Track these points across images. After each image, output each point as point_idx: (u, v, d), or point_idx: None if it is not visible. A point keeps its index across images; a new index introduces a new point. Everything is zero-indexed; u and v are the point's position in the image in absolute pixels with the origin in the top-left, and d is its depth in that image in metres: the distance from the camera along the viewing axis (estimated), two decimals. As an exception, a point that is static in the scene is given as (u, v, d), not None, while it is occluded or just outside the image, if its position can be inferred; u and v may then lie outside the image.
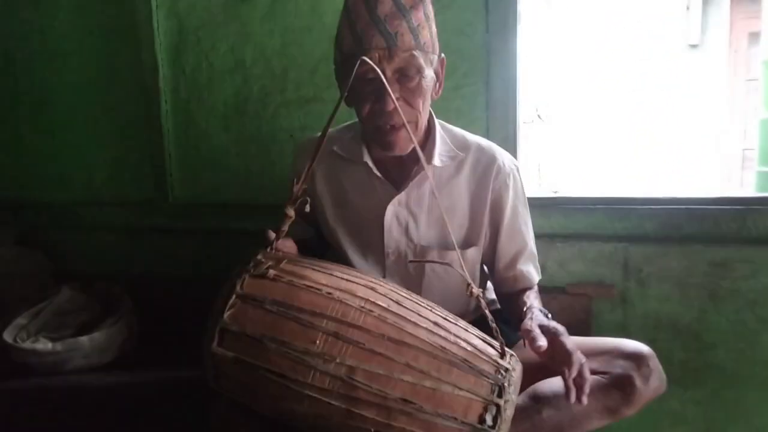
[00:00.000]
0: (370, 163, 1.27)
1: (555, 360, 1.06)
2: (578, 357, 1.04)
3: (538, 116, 4.80)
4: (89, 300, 1.78)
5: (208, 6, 1.85)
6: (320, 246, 1.41)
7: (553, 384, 1.18)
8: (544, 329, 1.09)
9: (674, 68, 5.38)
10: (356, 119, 1.30)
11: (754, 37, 5.09)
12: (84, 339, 1.63)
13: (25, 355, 1.59)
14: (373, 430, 0.97)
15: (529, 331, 1.08)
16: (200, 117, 1.92)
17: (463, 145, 1.30)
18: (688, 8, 5.30)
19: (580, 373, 1.04)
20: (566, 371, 1.04)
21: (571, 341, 1.07)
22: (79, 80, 2.01)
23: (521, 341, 1.25)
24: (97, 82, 2.00)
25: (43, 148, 2.08)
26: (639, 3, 5.38)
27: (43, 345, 1.60)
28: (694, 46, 5.36)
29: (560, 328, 1.10)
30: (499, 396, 0.98)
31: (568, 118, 5.34)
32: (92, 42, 1.98)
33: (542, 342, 1.04)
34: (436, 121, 1.29)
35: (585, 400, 1.03)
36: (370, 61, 1.00)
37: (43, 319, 1.67)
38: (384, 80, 1.02)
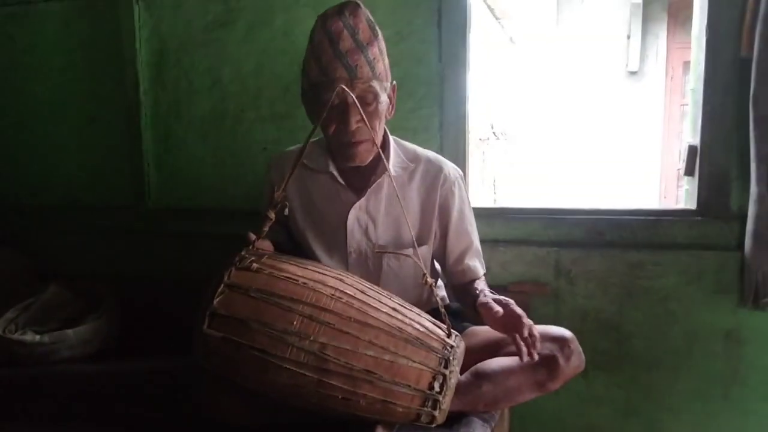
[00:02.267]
0: (335, 173, 1.46)
1: (507, 325, 1.26)
2: (527, 320, 1.25)
3: (494, 134, 5.08)
4: (74, 296, 1.90)
5: (189, 29, 2.03)
6: (290, 246, 1.59)
7: (491, 364, 1.39)
8: (498, 302, 1.30)
9: (616, 92, 5.76)
10: (320, 137, 1.50)
11: (689, 65, 5.50)
12: (69, 332, 1.76)
13: (14, 346, 1.71)
14: (340, 396, 1.16)
15: (485, 304, 1.30)
16: (179, 129, 2.09)
17: (414, 157, 1.51)
18: (628, 37, 5.69)
19: (530, 333, 1.23)
20: (518, 335, 1.23)
21: (520, 309, 1.28)
22: (64, 93, 2.15)
23: (465, 330, 1.47)
24: (81, 95, 2.15)
25: (27, 155, 2.21)
26: (584, 32, 5.76)
27: (31, 337, 1.73)
28: (633, 73, 5.75)
29: (510, 300, 1.31)
30: (445, 367, 1.19)
31: (521, 138, 5.65)
32: (77, 57, 2.13)
33: (498, 309, 1.26)
34: (390, 137, 1.49)
35: (536, 356, 1.23)
36: (347, 89, 1.20)
37: (31, 313, 1.80)
38: (357, 104, 1.23)
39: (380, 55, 1.35)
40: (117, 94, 2.10)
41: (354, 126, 1.30)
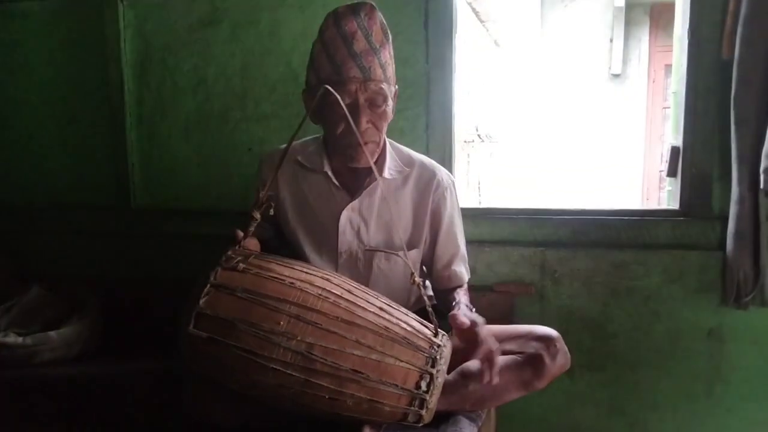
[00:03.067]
0: (330, 173, 1.46)
1: (469, 345, 1.27)
2: (488, 345, 1.25)
3: (478, 136, 5.11)
4: (57, 298, 1.87)
5: (174, 28, 2.01)
6: (279, 243, 1.58)
7: (478, 364, 1.40)
8: (467, 317, 1.30)
9: (599, 95, 5.82)
10: (314, 135, 1.50)
11: (670, 68, 5.57)
12: (52, 333, 1.74)
13: (-4, 348, 1.69)
14: (327, 396, 1.16)
15: (455, 316, 1.30)
16: (163, 129, 2.07)
17: (409, 162, 1.51)
18: (611, 41, 5.75)
19: (490, 358, 1.25)
20: (480, 355, 1.25)
21: (486, 330, 1.28)
22: (46, 92, 2.12)
23: (452, 330, 1.47)
24: (64, 94, 2.12)
25: (9, 155, 2.17)
26: (568, 35, 5.81)
27: (13, 339, 1.70)
28: (616, 76, 5.81)
29: (479, 319, 1.30)
30: (432, 366, 1.19)
31: (508, 139, 5.69)
32: (60, 57, 2.10)
33: (463, 320, 1.26)
34: (387, 140, 1.49)
35: (496, 379, 1.25)
36: (334, 92, 1.19)
37: (12, 315, 1.77)
38: (354, 107, 1.25)
39: (391, 60, 1.36)
40: (101, 93, 2.07)
41: (365, 126, 1.30)
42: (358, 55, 1.30)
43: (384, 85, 1.33)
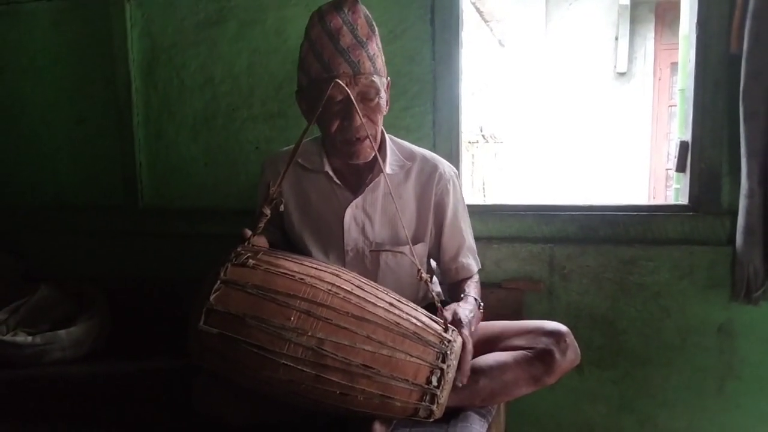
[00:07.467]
0: (330, 172, 1.46)
1: None
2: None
3: (483, 136, 5.11)
4: (65, 297, 1.88)
5: (180, 27, 2.02)
6: (285, 247, 1.58)
7: (487, 359, 1.40)
8: (455, 317, 1.29)
9: (604, 94, 5.81)
10: (315, 136, 1.50)
11: (676, 66, 5.57)
12: (62, 333, 1.74)
13: (5, 347, 1.69)
14: (338, 392, 1.16)
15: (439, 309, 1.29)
16: (170, 129, 2.07)
17: (410, 156, 1.50)
18: (616, 39, 5.74)
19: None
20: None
21: (464, 336, 1.25)
22: (54, 92, 2.14)
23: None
24: (71, 95, 2.13)
25: (16, 155, 2.19)
26: (573, 34, 5.80)
27: (23, 338, 1.71)
28: (622, 74, 5.80)
29: (464, 320, 1.29)
30: (443, 362, 1.18)
31: (512, 139, 5.68)
32: (67, 57, 2.11)
33: (445, 315, 1.26)
34: (386, 135, 1.49)
35: (461, 382, 1.24)
36: (342, 84, 1.19)
37: (21, 314, 1.78)
38: (353, 100, 1.23)
39: (379, 51, 1.36)
40: (108, 93, 2.08)
41: (359, 122, 1.29)
42: (346, 50, 1.29)
43: (375, 78, 1.32)
